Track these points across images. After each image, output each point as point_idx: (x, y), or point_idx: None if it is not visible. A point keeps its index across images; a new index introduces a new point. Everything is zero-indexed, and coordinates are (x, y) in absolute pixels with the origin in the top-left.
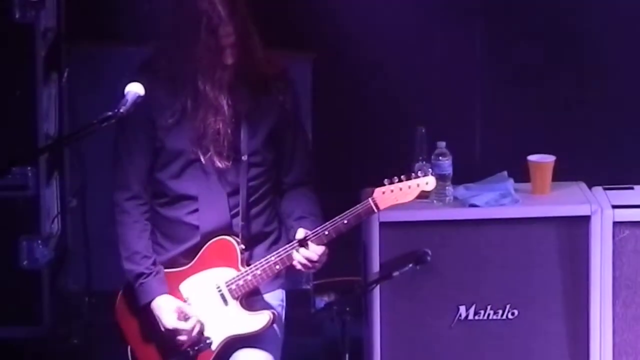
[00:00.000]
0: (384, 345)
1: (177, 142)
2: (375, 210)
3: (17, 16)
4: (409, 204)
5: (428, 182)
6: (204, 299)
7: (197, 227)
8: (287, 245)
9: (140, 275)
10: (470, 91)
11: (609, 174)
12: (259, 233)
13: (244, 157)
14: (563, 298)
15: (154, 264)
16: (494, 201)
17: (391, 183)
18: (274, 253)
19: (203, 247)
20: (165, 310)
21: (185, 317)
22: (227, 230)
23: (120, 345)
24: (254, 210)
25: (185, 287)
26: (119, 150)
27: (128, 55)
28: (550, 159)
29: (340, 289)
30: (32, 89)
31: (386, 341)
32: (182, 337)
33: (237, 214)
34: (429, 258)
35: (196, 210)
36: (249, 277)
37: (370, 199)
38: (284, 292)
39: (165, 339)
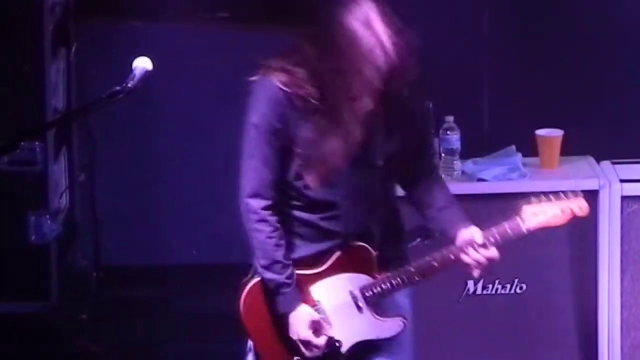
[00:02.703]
0: None
1: (314, 151)
2: (525, 232)
3: None
4: None
5: (581, 208)
6: (335, 303)
7: (332, 232)
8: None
9: (282, 285)
10: (477, 65)
11: (618, 148)
12: (394, 237)
13: (380, 162)
14: (571, 272)
15: (293, 273)
16: (502, 175)
17: (539, 201)
18: (413, 263)
19: (336, 251)
20: (301, 322)
21: (319, 332)
22: (364, 235)
23: (133, 320)
24: (389, 216)
25: (316, 289)
26: (255, 156)
27: (136, 31)
28: (558, 133)
29: None
30: (41, 63)
31: None
32: (312, 350)
33: (374, 219)
34: (436, 233)
35: (333, 216)
36: (385, 286)
37: (518, 218)
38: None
39: (293, 342)
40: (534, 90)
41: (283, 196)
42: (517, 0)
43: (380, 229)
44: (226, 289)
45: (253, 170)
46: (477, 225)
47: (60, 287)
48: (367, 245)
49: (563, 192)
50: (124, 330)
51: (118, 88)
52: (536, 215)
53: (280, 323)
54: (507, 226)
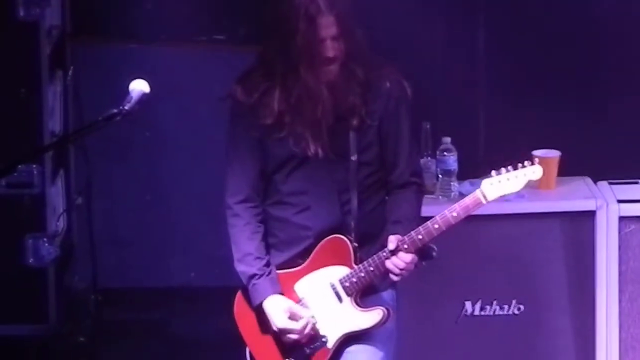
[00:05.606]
0: None
1: (286, 144)
2: (484, 201)
3: (21, 14)
4: None
5: (535, 171)
6: (318, 298)
7: (309, 227)
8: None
9: (253, 276)
10: (474, 87)
11: (615, 168)
12: (371, 232)
13: (354, 157)
14: (569, 293)
15: (267, 264)
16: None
17: (498, 174)
18: (385, 249)
19: (314, 248)
20: (276, 310)
21: (296, 317)
22: (339, 229)
23: (131, 342)
24: (365, 209)
25: (300, 286)
26: (230, 152)
27: (132, 53)
28: (555, 154)
29: None
30: (38, 87)
31: None
32: (294, 336)
33: (348, 213)
34: (434, 254)
35: (307, 209)
36: (362, 274)
37: (478, 190)
38: (394, 292)
39: (280, 339)
40: (531, 110)
41: (263, 194)
42: (514, 21)
43: (358, 221)
44: (224, 312)
45: (230, 165)
46: (472, 248)
47: (58, 310)
48: (343, 237)
49: (521, 162)
50: (122, 352)
51: (115, 110)
52: (493, 186)
53: (267, 323)
54: (468, 201)
